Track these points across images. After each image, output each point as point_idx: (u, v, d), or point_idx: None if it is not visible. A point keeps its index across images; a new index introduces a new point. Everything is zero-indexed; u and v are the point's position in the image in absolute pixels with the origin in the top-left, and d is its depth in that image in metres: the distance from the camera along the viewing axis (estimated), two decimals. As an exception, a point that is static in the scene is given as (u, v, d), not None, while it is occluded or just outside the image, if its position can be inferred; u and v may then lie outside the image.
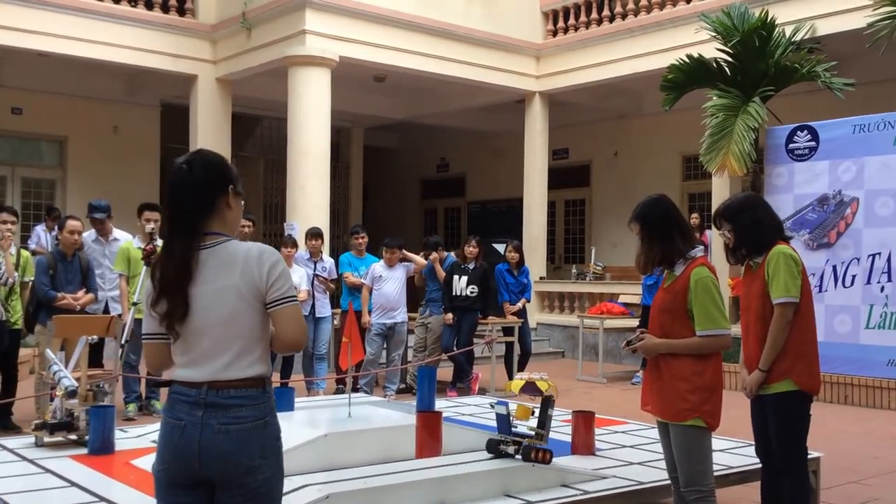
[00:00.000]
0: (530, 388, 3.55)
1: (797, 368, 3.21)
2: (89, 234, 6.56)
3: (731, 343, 2.91)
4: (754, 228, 3.35)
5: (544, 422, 3.32)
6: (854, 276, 7.87)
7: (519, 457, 3.29)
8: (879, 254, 7.73)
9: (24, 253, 6.33)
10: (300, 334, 2.05)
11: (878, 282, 7.71)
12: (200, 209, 2.03)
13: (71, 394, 3.96)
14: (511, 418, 3.35)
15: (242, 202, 2.15)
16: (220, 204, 2.06)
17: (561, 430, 4.42)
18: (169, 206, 2.04)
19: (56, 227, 6.85)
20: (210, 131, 11.13)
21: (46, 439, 3.87)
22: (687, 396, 2.89)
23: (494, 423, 3.55)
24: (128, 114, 12.54)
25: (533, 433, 3.35)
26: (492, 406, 3.46)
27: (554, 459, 3.62)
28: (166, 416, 2.01)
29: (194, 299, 1.98)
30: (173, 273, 1.98)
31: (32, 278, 6.05)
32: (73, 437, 3.96)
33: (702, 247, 3.08)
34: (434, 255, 8.07)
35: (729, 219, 3.38)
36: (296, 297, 2.08)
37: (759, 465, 3.47)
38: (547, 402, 3.36)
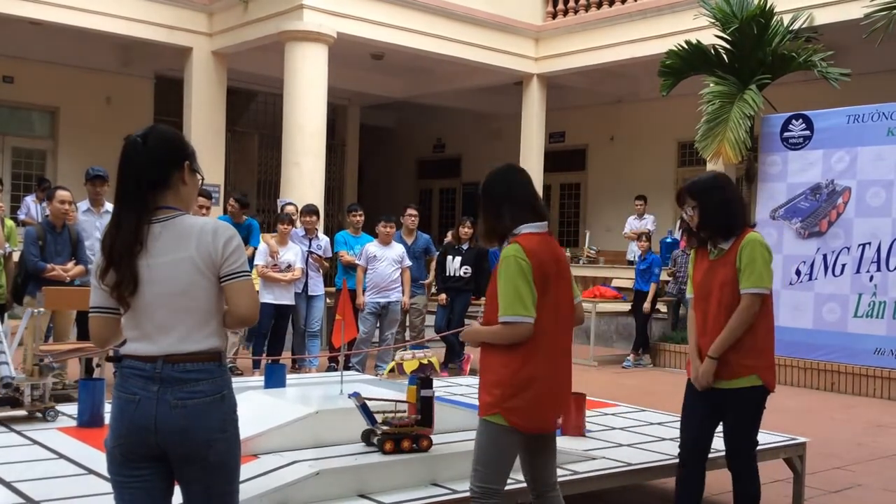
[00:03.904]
0: (424, 369, 3.39)
1: (762, 364, 3.06)
2: (82, 204, 6.51)
3: (529, 333, 2.51)
4: (724, 209, 3.05)
5: (422, 406, 3.12)
6: (844, 265, 7.93)
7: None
8: (869, 243, 7.78)
9: (9, 222, 6.26)
10: (253, 308, 2.03)
11: (868, 271, 7.76)
12: (153, 183, 2.01)
13: (6, 385, 3.83)
14: (369, 408, 3.18)
15: (201, 179, 2.13)
16: (174, 179, 2.04)
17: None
18: (120, 179, 2.02)
19: (46, 199, 6.79)
20: (204, 105, 11.04)
21: None
22: (491, 389, 2.57)
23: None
24: (121, 85, 12.41)
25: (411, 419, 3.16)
26: (349, 397, 3.24)
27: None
28: (118, 391, 1.98)
29: (147, 271, 1.96)
30: (121, 245, 1.96)
31: (14, 249, 5.97)
32: (18, 412, 3.83)
33: (529, 224, 2.62)
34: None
35: (696, 196, 3.08)
36: (249, 272, 2.07)
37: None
38: (421, 384, 3.14)
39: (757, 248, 3.03)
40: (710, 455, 3.21)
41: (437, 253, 8.50)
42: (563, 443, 3.71)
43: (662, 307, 9.74)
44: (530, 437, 2.63)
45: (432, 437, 3.20)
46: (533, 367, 2.54)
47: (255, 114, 14.30)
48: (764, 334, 3.07)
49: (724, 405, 3.09)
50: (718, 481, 4.20)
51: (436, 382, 5.22)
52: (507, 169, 2.73)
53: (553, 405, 2.63)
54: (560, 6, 11.99)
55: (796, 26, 8.74)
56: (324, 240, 7.87)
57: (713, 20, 8.80)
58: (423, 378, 3.17)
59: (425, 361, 3.28)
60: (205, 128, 10.85)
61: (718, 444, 3.76)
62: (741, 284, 3.02)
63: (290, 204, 8.43)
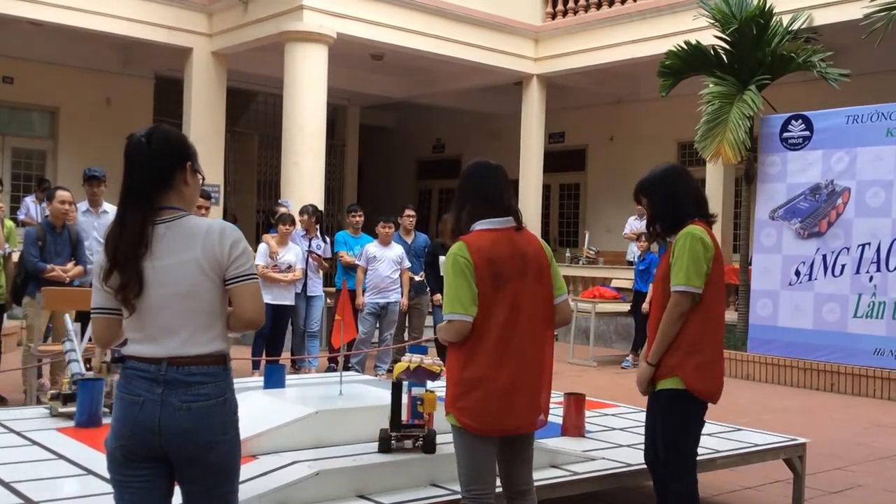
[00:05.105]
0: (418, 373, 3.31)
1: (686, 365, 2.80)
2: (82, 205, 6.51)
3: (466, 331, 2.49)
4: (668, 203, 2.91)
5: (393, 408, 3.13)
6: (843, 266, 7.93)
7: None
8: (869, 244, 7.78)
9: (9, 223, 6.26)
10: (259, 312, 2.03)
11: (867, 271, 7.77)
12: (157, 183, 2.00)
13: (76, 382, 3.88)
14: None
15: (202, 179, 2.13)
16: (177, 179, 2.04)
17: (551, 411, 4.44)
18: (124, 179, 2.02)
19: (45, 199, 6.79)
20: (204, 105, 11.04)
21: (60, 409, 3.86)
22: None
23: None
24: (121, 85, 12.41)
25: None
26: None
27: (544, 440, 3.62)
28: (122, 392, 1.98)
29: (151, 273, 1.95)
30: (125, 246, 1.95)
31: (14, 249, 5.97)
32: None
33: (486, 220, 2.58)
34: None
35: (644, 192, 2.97)
36: (256, 275, 2.06)
37: (752, 450, 3.42)
38: (393, 388, 3.15)
39: (688, 241, 2.81)
40: (700, 457, 3.10)
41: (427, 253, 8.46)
42: (562, 443, 3.72)
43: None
44: (501, 438, 2.56)
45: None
46: (478, 367, 2.49)
47: (255, 114, 14.30)
48: (694, 333, 2.82)
49: (655, 411, 2.92)
50: (718, 481, 4.21)
51: (436, 383, 5.23)
52: (475, 166, 2.68)
53: (507, 406, 2.50)
54: (560, 6, 11.99)
55: (796, 27, 8.75)
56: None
57: (713, 21, 8.80)
58: (394, 383, 3.17)
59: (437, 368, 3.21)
60: (205, 128, 10.85)
61: (708, 443, 3.71)
62: (670, 280, 2.85)
63: (280, 205, 8.43)
